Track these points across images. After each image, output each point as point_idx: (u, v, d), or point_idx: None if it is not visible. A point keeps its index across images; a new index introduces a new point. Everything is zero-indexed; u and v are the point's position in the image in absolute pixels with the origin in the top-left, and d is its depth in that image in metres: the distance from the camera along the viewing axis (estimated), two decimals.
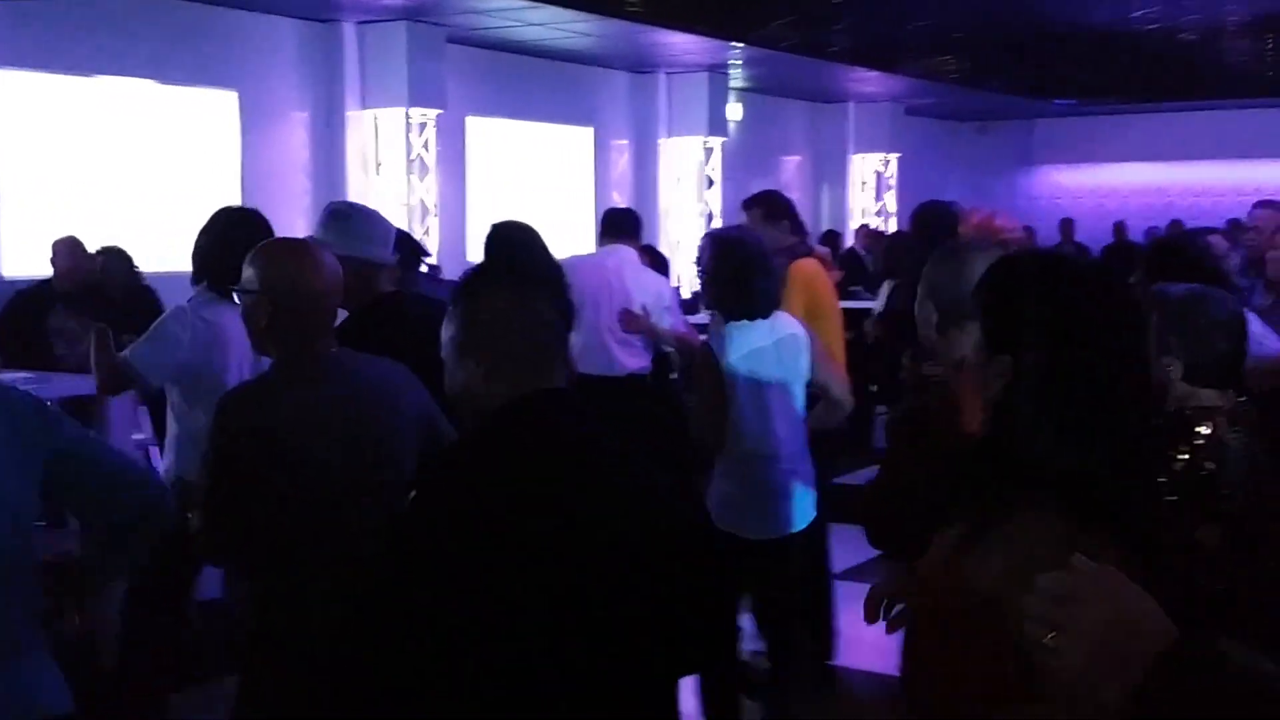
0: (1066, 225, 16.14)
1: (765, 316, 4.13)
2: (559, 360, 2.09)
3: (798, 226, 5.81)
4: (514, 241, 5.02)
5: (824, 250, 6.59)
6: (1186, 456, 2.99)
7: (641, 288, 5.85)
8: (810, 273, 5.41)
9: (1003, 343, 1.74)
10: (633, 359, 5.83)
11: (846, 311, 8.31)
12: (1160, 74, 13.80)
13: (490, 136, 11.46)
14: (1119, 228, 15.45)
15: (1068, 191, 18.20)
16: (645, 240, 7.03)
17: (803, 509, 4.18)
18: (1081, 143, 17.76)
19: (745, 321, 4.11)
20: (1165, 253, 4.36)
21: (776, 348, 4.15)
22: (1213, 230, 6.30)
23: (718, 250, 4.18)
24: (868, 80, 13.61)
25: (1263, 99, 15.66)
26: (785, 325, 4.22)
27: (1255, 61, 13.26)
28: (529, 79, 11.63)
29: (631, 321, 5.74)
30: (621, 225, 6.27)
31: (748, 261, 4.12)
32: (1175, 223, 14.86)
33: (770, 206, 5.66)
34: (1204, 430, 3.01)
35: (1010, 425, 1.72)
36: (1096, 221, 17.18)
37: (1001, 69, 13.79)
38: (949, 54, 12.71)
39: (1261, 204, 6.41)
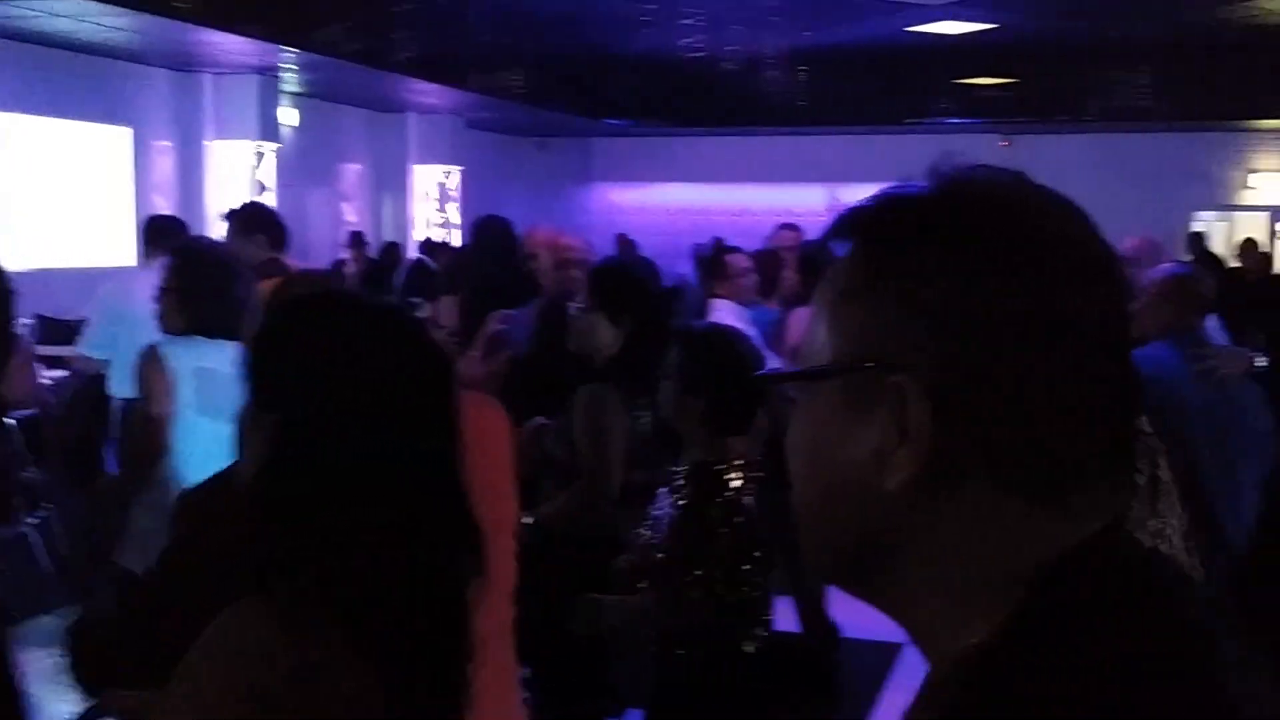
0: (624, 241, 16.70)
1: (223, 337, 3.59)
2: None
3: (281, 240, 5.51)
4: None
5: (304, 268, 6.30)
6: (714, 512, 2.93)
7: None
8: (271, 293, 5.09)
9: (271, 398, 1.49)
10: None
11: None
12: (705, 100, 14.53)
13: (16, 133, 10.35)
14: (621, 241, 16.20)
15: (623, 208, 18.84)
16: None
17: None
18: (635, 162, 18.45)
19: (198, 338, 3.63)
20: (603, 276, 4.21)
21: (232, 380, 3.69)
22: (736, 249, 6.61)
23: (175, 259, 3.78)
24: (428, 92, 13.46)
25: (795, 127, 16.86)
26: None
27: (789, 92, 14.23)
28: (58, 73, 10.61)
29: None
30: (167, 234, 5.80)
31: (209, 271, 3.70)
32: (717, 240, 15.68)
33: (248, 219, 5.35)
34: (734, 482, 2.95)
35: (270, 504, 1.43)
36: (650, 238, 17.88)
37: (560, 88, 14.04)
38: (509, 70, 12.79)
39: (783, 225, 6.87)
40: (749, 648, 2.97)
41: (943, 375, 0.79)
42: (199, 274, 3.71)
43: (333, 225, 14.41)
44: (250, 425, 1.50)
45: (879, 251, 0.86)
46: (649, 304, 4.03)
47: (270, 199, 12.39)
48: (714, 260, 5.96)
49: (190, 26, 9.62)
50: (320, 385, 1.44)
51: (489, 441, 2.24)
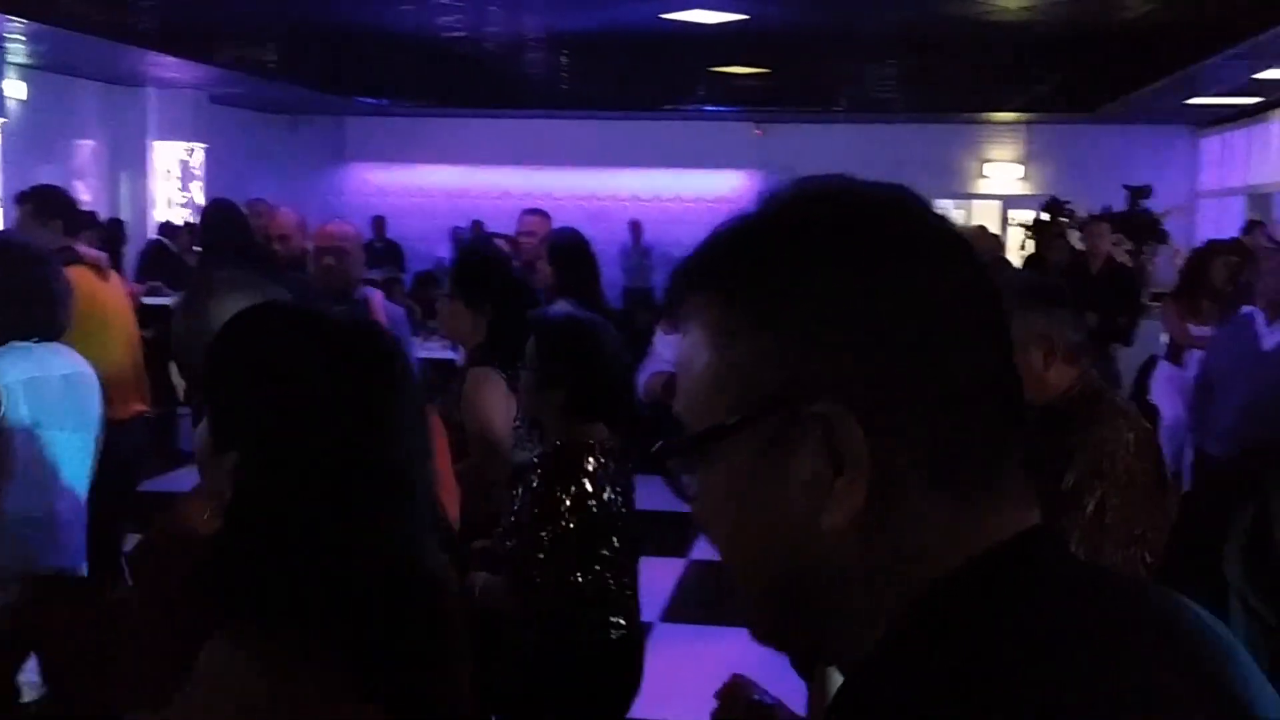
0: (379, 222, 16.35)
1: (52, 338, 3.42)
2: None
3: (78, 226, 5.15)
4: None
5: (97, 255, 5.89)
6: (568, 499, 2.89)
7: None
8: (75, 282, 4.72)
9: (228, 435, 1.37)
10: None
11: (147, 308, 7.73)
12: (463, 81, 14.33)
13: None
14: (377, 222, 16.03)
15: (379, 189, 18.44)
16: None
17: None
18: (392, 142, 18.07)
19: (20, 345, 3.36)
20: (469, 266, 4.23)
21: (65, 384, 3.43)
22: (501, 235, 6.51)
23: None
24: (168, 65, 12.82)
25: (557, 110, 16.83)
26: (72, 360, 3.51)
27: (551, 75, 14.18)
28: None
29: None
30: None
31: (25, 263, 3.42)
32: (476, 223, 15.58)
33: (43, 202, 4.95)
34: (590, 466, 2.92)
35: (240, 542, 1.33)
36: (408, 220, 17.57)
37: (312, 64, 13.60)
38: (259, 45, 12.31)
39: (529, 211, 6.72)
40: (613, 635, 2.96)
41: (865, 392, 0.75)
42: (12, 274, 3.37)
43: None
44: (210, 463, 1.40)
45: (751, 292, 0.79)
46: (508, 291, 4.01)
47: None
48: None
49: None
50: (275, 416, 1.34)
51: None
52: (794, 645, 0.83)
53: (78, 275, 4.68)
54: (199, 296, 2.18)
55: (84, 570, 3.56)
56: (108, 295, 4.97)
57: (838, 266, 0.77)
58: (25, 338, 3.39)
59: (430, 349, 7.08)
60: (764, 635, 0.84)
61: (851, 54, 12.13)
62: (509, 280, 4.17)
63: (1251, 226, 11.40)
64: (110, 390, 4.64)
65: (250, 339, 1.43)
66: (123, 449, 4.81)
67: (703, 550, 6.62)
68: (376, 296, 5.10)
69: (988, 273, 0.81)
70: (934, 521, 0.76)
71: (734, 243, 0.83)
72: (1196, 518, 2.07)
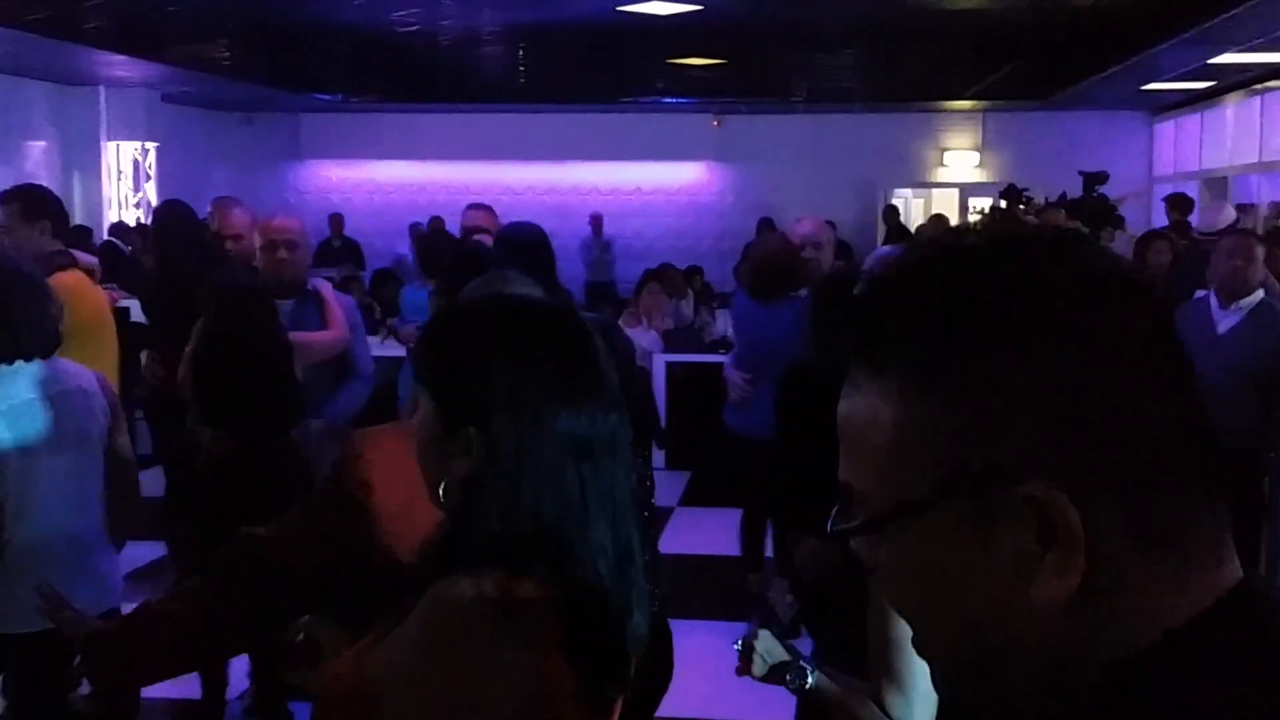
0: (336, 220, 16.21)
1: (39, 357, 3.31)
2: None
3: (63, 228, 5.01)
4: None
5: (90, 260, 5.78)
6: None
7: None
8: (68, 289, 4.45)
9: (462, 416, 1.50)
10: None
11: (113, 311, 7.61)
12: (419, 76, 14.24)
13: None
14: (334, 220, 15.84)
15: (336, 186, 18.31)
16: None
17: (101, 591, 3.44)
18: (347, 138, 17.94)
19: (9, 367, 3.26)
20: (463, 262, 4.16)
21: (57, 402, 3.32)
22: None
23: None
24: (118, 64, 12.66)
25: (514, 104, 16.76)
26: (71, 376, 3.41)
27: (508, 69, 14.11)
28: None
29: None
30: None
31: (6, 283, 3.28)
32: (435, 219, 15.48)
33: (29, 202, 4.76)
34: None
35: (482, 513, 1.48)
36: (366, 217, 17.46)
37: (265, 61, 13.47)
38: (210, 42, 12.17)
39: (473, 206, 6.63)
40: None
41: (1069, 464, 0.71)
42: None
43: None
44: (440, 443, 1.51)
45: (932, 373, 0.75)
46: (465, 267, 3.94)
47: None
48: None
49: None
50: (514, 393, 1.48)
51: None
52: (983, 707, 0.80)
53: (77, 281, 4.64)
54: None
55: (118, 605, 3.48)
56: (100, 300, 4.92)
57: (1020, 338, 0.73)
58: (10, 361, 3.28)
59: (390, 348, 6.99)
60: (951, 697, 0.83)
61: (808, 44, 12.13)
62: (466, 257, 4.10)
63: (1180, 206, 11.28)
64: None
65: (482, 325, 1.57)
66: None
67: (669, 544, 6.57)
68: (326, 287, 5.08)
69: (1169, 311, 0.78)
70: (1142, 586, 0.73)
71: (893, 317, 0.78)
72: None
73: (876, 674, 2.06)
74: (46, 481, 3.31)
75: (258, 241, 5.04)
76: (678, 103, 16.63)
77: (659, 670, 3.21)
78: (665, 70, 13.61)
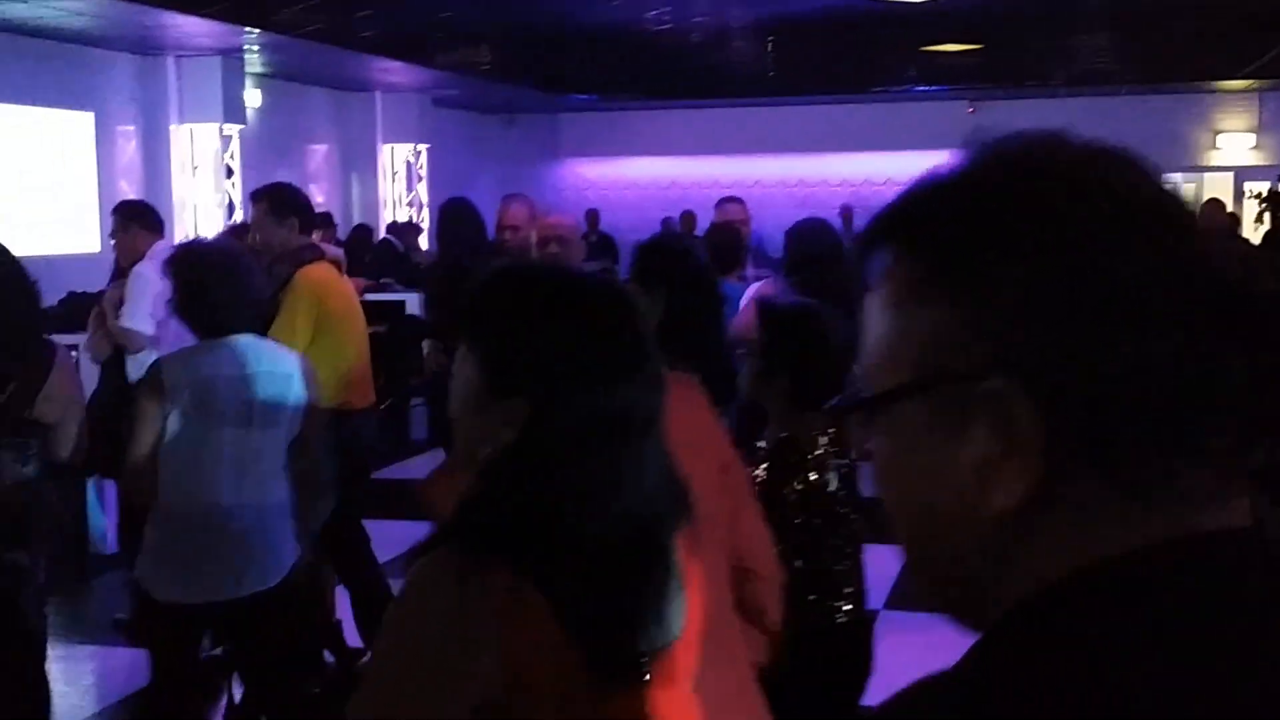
0: (592, 216, 16.67)
1: (243, 332, 3.54)
2: None
3: (311, 224, 5.36)
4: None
5: (336, 252, 6.21)
6: (797, 487, 2.93)
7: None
8: (317, 281, 4.82)
9: (512, 383, 1.49)
10: None
11: (374, 304, 8.12)
12: (671, 73, 14.49)
13: None
14: (590, 215, 16.09)
15: (592, 183, 18.80)
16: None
17: (263, 568, 3.59)
18: (603, 136, 18.39)
19: (211, 341, 3.51)
20: (648, 253, 4.25)
21: (247, 382, 3.50)
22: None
23: (177, 258, 3.68)
24: (394, 70, 13.38)
25: (762, 98, 16.84)
26: (272, 359, 3.61)
27: (757, 63, 14.21)
28: (18, 59, 10.49)
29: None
30: (143, 219, 5.76)
31: (208, 270, 3.52)
32: (687, 213, 15.71)
33: (276, 200, 4.99)
34: (816, 454, 2.95)
35: (514, 481, 1.47)
36: (620, 212, 17.86)
37: (526, 63, 13.97)
38: (475, 47, 12.71)
39: (727, 200, 6.69)
40: (840, 619, 3.00)
41: (1048, 371, 0.70)
42: (193, 277, 3.52)
43: None
44: (483, 410, 1.50)
45: (940, 249, 0.75)
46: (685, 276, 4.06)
47: (236, 182, 12.33)
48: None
49: (151, 9, 9.53)
50: (560, 363, 1.48)
51: (692, 431, 2.17)
52: (953, 608, 0.79)
53: (322, 271, 4.91)
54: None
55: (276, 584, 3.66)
56: (348, 291, 5.22)
57: (1034, 237, 0.72)
58: (216, 336, 3.50)
59: None
60: (924, 595, 0.82)
61: (1066, 24, 11.75)
62: (687, 266, 4.19)
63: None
64: (350, 382, 4.91)
65: (538, 294, 1.54)
66: (361, 438, 5.09)
67: None
68: None
69: (1209, 250, 0.73)
70: (1100, 514, 0.71)
71: (931, 199, 0.79)
72: None
73: None
74: (220, 454, 3.47)
75: (534, 237, 5.24)
76: (931, 91, 16.36)
77: (855, 663, 3.15)
78: (917, 58, 13.44)
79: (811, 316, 3.11)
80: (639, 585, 1.52)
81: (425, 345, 5.92)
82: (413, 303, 9.90)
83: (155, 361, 3.68)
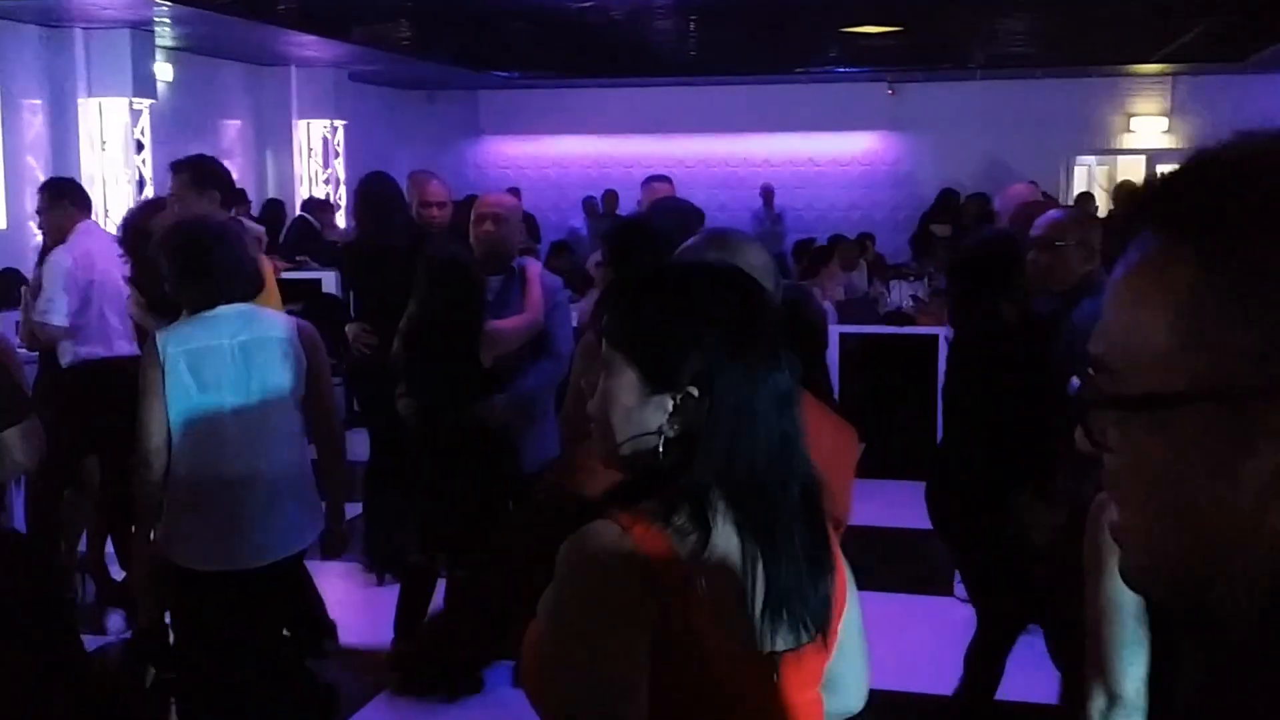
0: (513, 194, 16.53)
1: (239, 300, 3.59)
2: None
3: (232, 199, 5.26)
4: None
5: (258, 229, 6.08)
6: None
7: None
8: None
9: (668, 378, 1.56)
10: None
11: (290, 283, 7.98)
12: (593, 51, 14.40)
13: None
14: (511, 194, 15.98)
15: (513, 161, 18.66)
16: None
17: (285, 536, 3.66)
18: (524, 114, 18.25)
19: (202, 314, 3.55)
20: (623, 234, 4.21)
21: (242, 349, 3.55)
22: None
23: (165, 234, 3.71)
24: (309, 44, 13.14)
25: (686, 78, 16.80)
26: (264, 325, 3.64)
27: (678, 42, 14.16)
28: None
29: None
30: (73, 195, 5.62)
31: (207, 245, 3.57)
32: (609, 193, 15.65)
33: (199, 172, 4.93)
34: None
35: (699, 468, 1.54)
36: (542, 191, 17.76)
37: (446, 39, 13.80)
38: (393, 22, 12.53)
39: (654, 178, 6.69)
40: None
41: None
42: (185, 250, 3.56)
43: None
44: (641, 407, 1.57)
45: (1232, 259, 0.68)
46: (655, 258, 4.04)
47: (147, 158, 12.05)
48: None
49: None
50: (727, 353, 1.56)
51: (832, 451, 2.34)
52: (1173, 602, 0.77)
53: None
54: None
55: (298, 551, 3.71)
56: (268, 269, 5.17)
57: None
58: (210, 306, 3.52)
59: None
60: (1139, 587, 0.79)
61: (985, 8, 11.85)
62: (659, 248, 4.16)
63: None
64: None
65: (683, 291, 1.63)
66: None
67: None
68: (533, 266, 5.05)
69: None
70: None
71: (1214, 193, 0.71)
72: None
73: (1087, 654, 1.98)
74: (224, 423, 3.49)
75: (471, 215, 5.14)
76: (851, 72, 16.44)
77: None
78: (838, 39, 13.47)
79: (797, 301, 3.16)
80: (810, 548, 1.62)
81: (349, 329, 5.80)
82: (329, 281, 9.75)
83: (151, 336, 3.63)
